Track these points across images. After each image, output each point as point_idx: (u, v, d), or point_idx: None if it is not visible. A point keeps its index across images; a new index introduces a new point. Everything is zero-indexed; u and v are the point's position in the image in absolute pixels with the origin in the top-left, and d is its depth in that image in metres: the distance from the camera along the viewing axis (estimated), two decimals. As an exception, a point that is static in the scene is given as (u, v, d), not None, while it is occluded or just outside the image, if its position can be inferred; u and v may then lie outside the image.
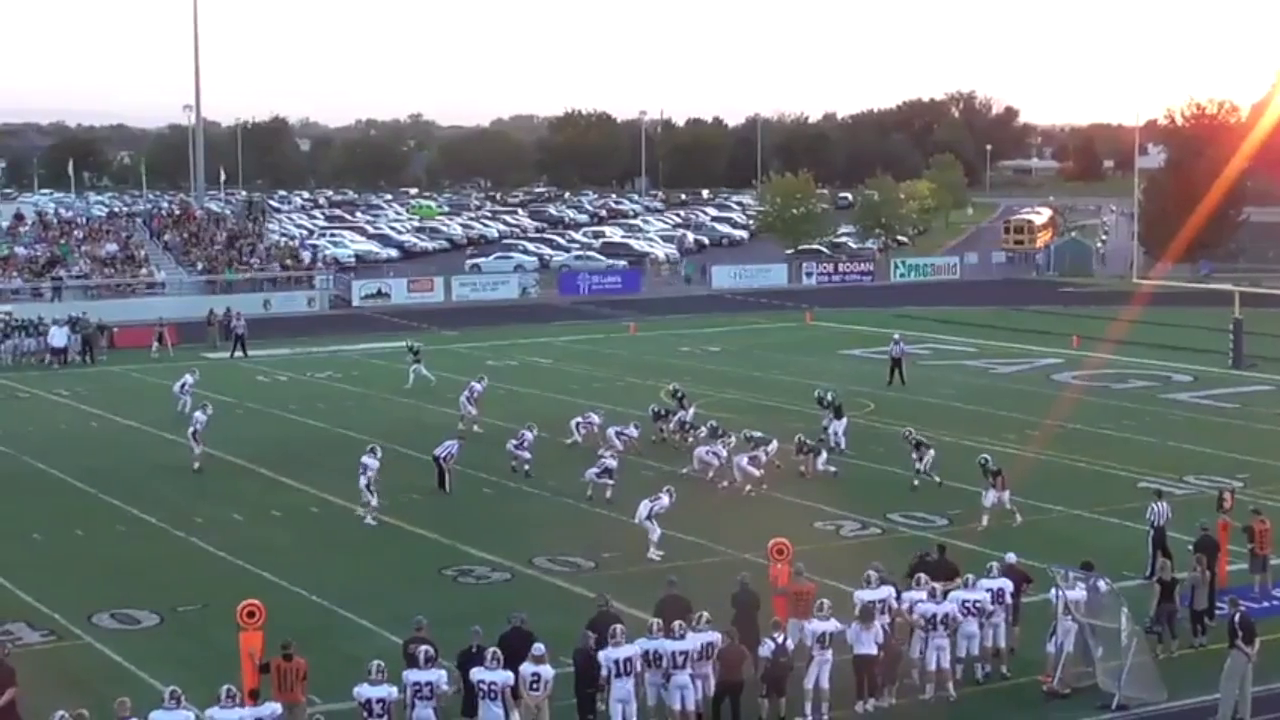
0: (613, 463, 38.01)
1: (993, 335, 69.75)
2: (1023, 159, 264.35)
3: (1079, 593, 24.80)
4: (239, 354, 64.43)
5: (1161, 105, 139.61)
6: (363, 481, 35.91)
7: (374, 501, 35.80)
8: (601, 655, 22.18)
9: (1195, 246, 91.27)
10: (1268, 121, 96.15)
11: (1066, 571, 25.30)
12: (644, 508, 32.63)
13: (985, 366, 60.32)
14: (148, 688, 23.25)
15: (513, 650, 21.91)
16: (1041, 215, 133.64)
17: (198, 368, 53.64)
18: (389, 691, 20.95)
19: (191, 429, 42.43)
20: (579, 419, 43.96)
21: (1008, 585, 25.49)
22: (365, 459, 36.30)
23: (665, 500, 32.82)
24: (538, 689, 21.51)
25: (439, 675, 21.40)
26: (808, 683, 23.31)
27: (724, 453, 39.44)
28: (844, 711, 23.56)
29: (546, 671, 21.61)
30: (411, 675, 21.35)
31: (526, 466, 40.04)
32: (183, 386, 48.64)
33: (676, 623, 22.89)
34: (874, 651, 23.67)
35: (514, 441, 40.66)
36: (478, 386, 47.81)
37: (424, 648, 21.80)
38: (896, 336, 57.59)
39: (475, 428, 45.66)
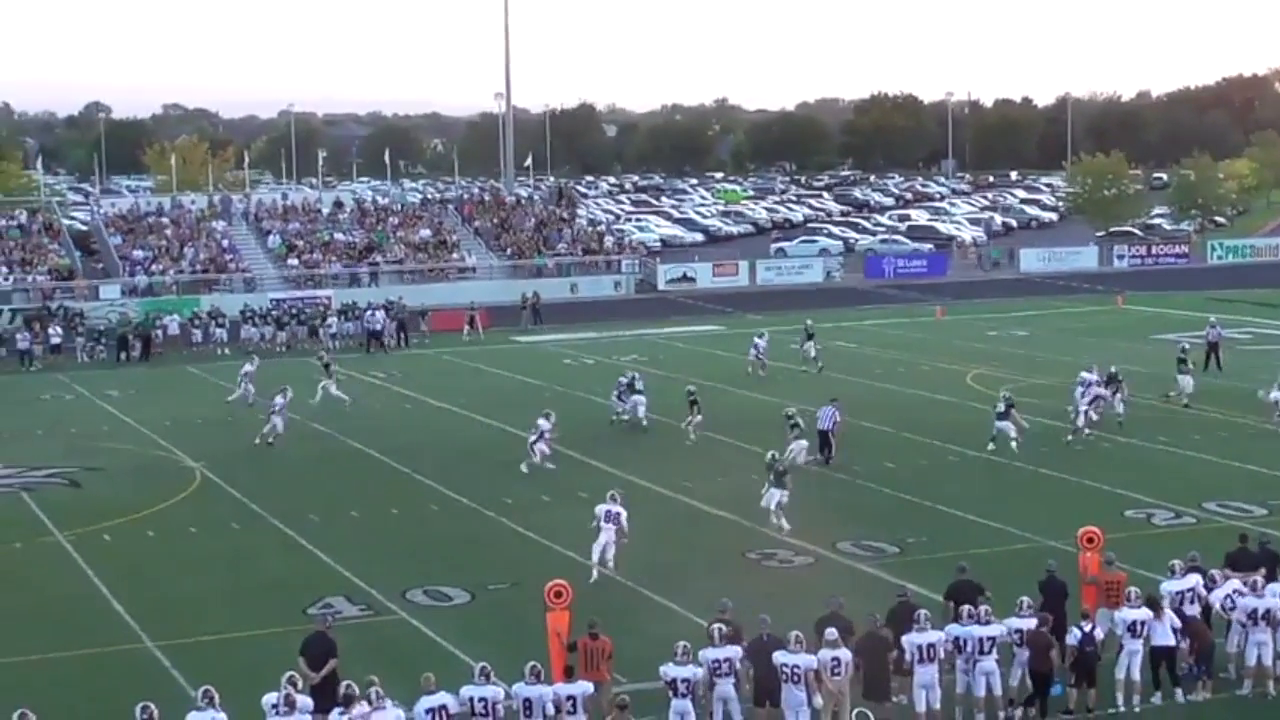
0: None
1: (1315, 319, 67.14)
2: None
3: None
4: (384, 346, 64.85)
5: None
6: (533, 438, 39.32)
7: (536, 460, 39.07)
8: (905, 640, 22.07)
9: None
10: None
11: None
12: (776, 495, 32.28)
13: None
14: (459, 663, 23.88)
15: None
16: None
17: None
18: (694, 671, 21.16)
19: (273, 409, 44.22)
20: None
21: (1330, 579, 24.54)
22: (540, 421, 39.78)
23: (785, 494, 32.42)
24: (839, 673, 21.46)
25: (735, 651, 21.53)
26: (1119, 673, 22.83)
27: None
28: (1166, 702, 23.05)
29: (845, 655, 21.55)
30: (709, 653, 21.52)
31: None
32: (244, 376, 50.06)
33: (983, 608, 22.63)
34: (1170, 642, 23.11)
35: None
36: (761, 343, 54.30)
37: (717, 624, 22.05)
38: (1213, 320, 55.90)
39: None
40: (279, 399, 44.65)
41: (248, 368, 51.00)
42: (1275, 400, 42.99)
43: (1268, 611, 23.39)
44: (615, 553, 30.26)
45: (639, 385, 46.13)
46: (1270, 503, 34.47)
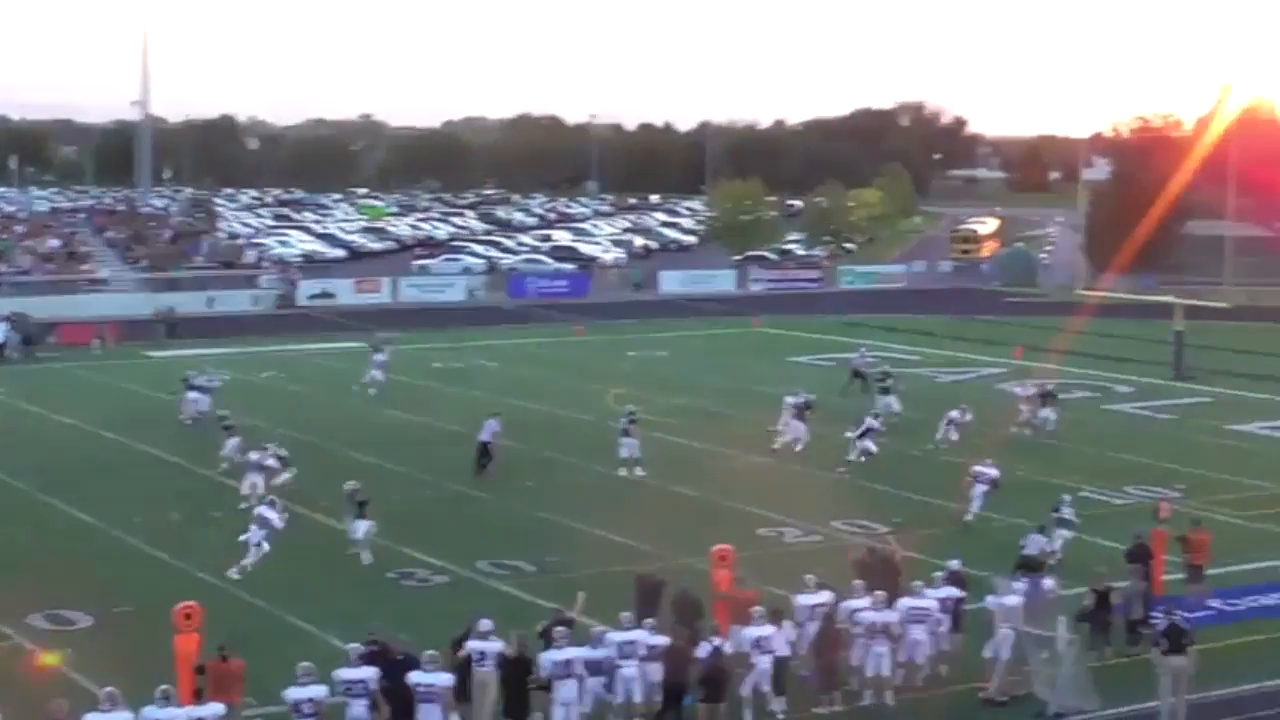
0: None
1: (938, 344, 70.01)
2: (971, 169, 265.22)
3: (1015, 600, 24.96)
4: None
5: (1108, 118, 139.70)
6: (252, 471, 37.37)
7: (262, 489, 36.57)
8: (543, 657, 22.20)
9: (1140, 259, 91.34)
10: (1211, 135, 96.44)
11: (1004, 579, 25.46)
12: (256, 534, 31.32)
13: (930, 375, 60.45)
14: (82, 690, 23.06)
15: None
16: (988, 225, 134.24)
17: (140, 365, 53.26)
18: (317, 692, 20.89)
19: None
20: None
21: (954, 592, 25.63)
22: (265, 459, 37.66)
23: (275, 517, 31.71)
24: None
25: (371, 672, 21.35)
26: (743, 690, 23.38)
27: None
28: (800, 714, 23.72)
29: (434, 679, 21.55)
30: (343, 673, 21.32)
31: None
32: None
33: (623, 615, 23.03)
34: (785, 653, 23.85)
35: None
36: (379, 359, 53.55)
37: (353, 645, 22.01)
38: (862, 348, 57.64)
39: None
40: None
41: None
42: (850, 438, 42.74)
43: (886, 625, 24.31)
44: (255, 557, 30.91)
45: (195, 381, 47.92)
46: (895, 520, 35.74)
